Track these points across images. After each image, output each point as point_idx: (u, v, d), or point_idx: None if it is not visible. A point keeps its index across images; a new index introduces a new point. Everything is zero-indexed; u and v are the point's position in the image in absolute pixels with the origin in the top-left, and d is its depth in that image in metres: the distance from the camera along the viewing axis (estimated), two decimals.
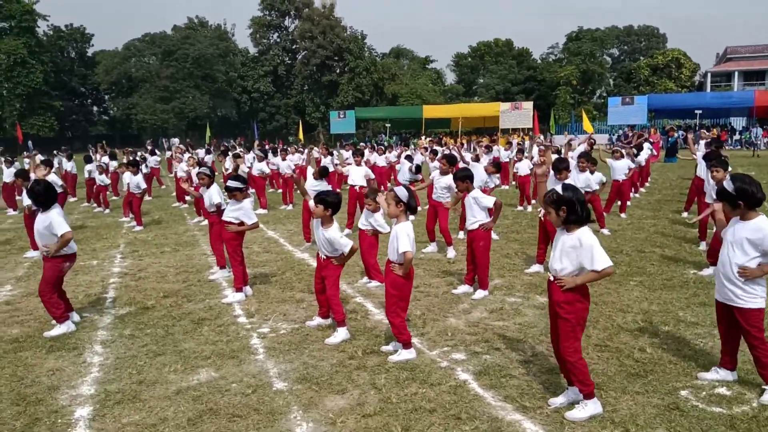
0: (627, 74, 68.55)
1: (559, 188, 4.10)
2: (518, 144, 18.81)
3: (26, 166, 18.93)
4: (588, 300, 4.18)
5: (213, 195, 8.35)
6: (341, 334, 5.73)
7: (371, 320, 6.31)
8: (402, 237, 5.09)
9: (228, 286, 7.81)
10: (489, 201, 6.96)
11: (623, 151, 13.76)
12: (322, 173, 9.94)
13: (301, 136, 42.28)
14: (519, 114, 44.76)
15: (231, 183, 7.41)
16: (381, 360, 5.21)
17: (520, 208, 14.23)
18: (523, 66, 71.76)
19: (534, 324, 6.07)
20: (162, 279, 8.37)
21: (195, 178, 14.05)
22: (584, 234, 4.03)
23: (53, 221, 5.97)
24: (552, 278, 4.21)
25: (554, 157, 9.53)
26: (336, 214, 5.79)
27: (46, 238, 6.05)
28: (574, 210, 4.01)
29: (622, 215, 12.45)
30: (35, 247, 10.12)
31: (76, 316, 6.42)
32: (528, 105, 46.12)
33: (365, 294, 7.36)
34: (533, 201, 14.47)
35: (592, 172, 10.20)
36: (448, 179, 9.31)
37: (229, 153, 19.50)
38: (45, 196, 6.07)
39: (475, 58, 77.00)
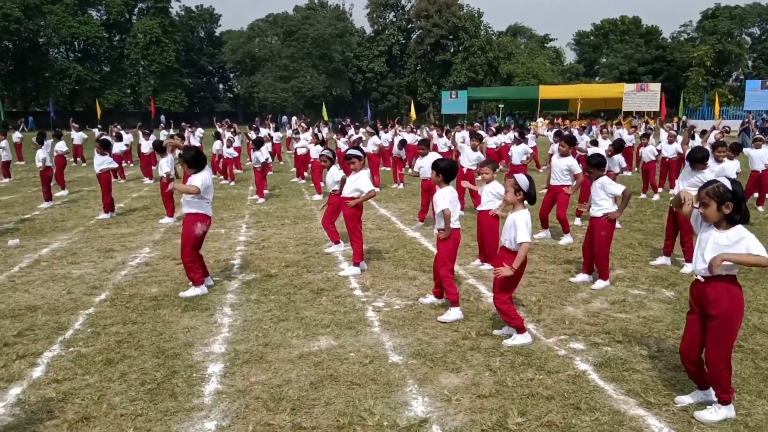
0: None
1: (725, 181, 3.73)
2: (648, 128, 17.62)
3: (162, 138, 20.47)
4: (743, 304, 3.85)
5: (334, 176, 8.50)
6: (454, 313, 5.75)
7: (484, 302, 6.27)
8: (521, 227, 4.99)
9: (344, 259, 8.06)
10: (617, 189, 6.62)
11: (765, 138, 12.61)
12: (426, 144, 10.19)
13: (413, 115, 42.42)
14: (644, 96, 42.10)
15: (351, 151, 7.71)
16: (495, 343, 5.18)
17: (643, 195, 13.48)
18: (651, 45, 67.47)
19: (660, 318, 5.77)
20: (283, 249, 8.79)
21: (314, 155, 14.58)
22: (741, 229, 3.73)
23: (194, 178, 6.47)
24: (701, 279, 3.85)
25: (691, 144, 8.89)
26: (449, 180, 5.90)
27: (188, 197, 6.54)
28: (740, 208, 3.70)
29: (760, 208, 11.46)
30: (171, 214, 10.99)
31: (210, 281, 6.90)
32: (655, 87, 43.24)
33: (477, 276, 7.32)
34: (660, 189, 13.66)
35: (730, 158, 9.41)
36: (569, 161, 8.94)
37: (346, 131, 19.98)
38: (195, 160, 6.56)
39: (598, 37, 73.34)
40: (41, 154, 12.99)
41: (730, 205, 3.69)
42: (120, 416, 3.99)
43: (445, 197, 5.79)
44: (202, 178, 6.47)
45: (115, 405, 4.14)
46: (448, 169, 5.88)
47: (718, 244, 3.76)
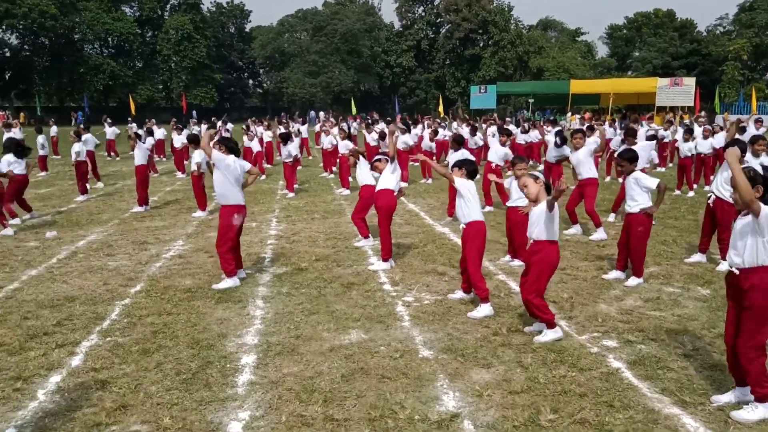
0: None
1: (757, 167, 3.82)
2: (685, 123, 17.21)
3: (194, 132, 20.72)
4: None
5: (362, 173, 8.57)
6: (484, 309, 5.73)
7: (515, 299, 6.23)
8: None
9: (373, 254, 8.08)
10: (651, 182, 6.50)
11: None
12: (458, 141, 10.08)
13: (441, 110, 42.19)
14: (679, 91, 41.11)
15: (378, 156, 7.90)
16: (526, 339, 5.15)
17: (677, 192, 13.23)
18: (685, 39, 65.99)
19: (695, 317, 5.67)
20: (313, 243, 8.85)
21: (342, 149, 14.64)
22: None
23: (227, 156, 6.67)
24: (736, 271, 3.88)
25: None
26: (473, 178, 5.97)
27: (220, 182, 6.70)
28: None
29: None
30: (203, 208, 11.15)
31: (242, 273, 7.00)
32: (690, 81, 42.19)
33: (508, 272, 7.28)
34: (695, 186, 13.39)
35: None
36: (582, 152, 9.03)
37: (373, 126, 19.96)
38: (235, 148, 6.82)
39: (631, 30, 72.01)
40: (77, 147, 13.27)
41: (761, 188, 3.72)
42: (156, 405, 4.07)
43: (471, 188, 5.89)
44: (228, 160, 6.61)
45: (151, 394, 4.23)
46: (472, 169, 6.05)
47: (743, 226, 3.80)
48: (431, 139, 16.45)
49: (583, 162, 8.93)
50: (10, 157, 10.42)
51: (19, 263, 7.81)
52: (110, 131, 23.46)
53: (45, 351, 4.98)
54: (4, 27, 55.85)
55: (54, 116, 34.34)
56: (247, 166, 6.94)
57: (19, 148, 10.57)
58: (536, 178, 5.15)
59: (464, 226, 5.91)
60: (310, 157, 23.22)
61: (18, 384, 4.39)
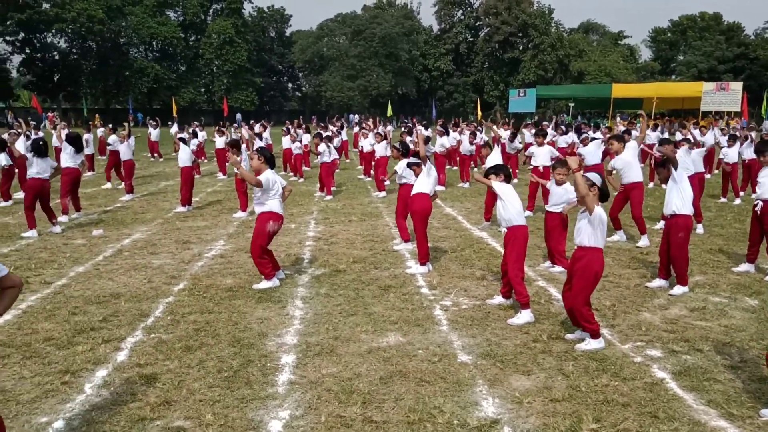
0: None
1: None
2: (729, 128, 16.70)
3: (236, 136, 21.04)
4: None
5: (403, 168, 8.63)
6: (525, 316, 5.67)
7: (555, 305, 6.15)
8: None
9: (411, 257, 8.08)
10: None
11: None
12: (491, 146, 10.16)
13: (479, 114, 41.92)
14: (725, 95, 39.93)
15: (412, 159, 7.90)
16: (567, 347, 5.07)
17: (723, 199, 12.86)
18: (732, 42, 64.21)
19: (743, 328, 5.50)
20: (351, 245, 8.90)
21: (380, 152, 14.71)
22: None
23: (262, 174, 6.76)
24: None
25: None
26: (510, 182, 6.05)
27: (257, 196, 6.84)
28: None
29: None
30: (244, 209, 11.33)
31: (282, 274, 7.08)
32: (736, 86, 40.93)
33: (548, 278, 7.18)
34: (741, 193, 13.00)
35: None
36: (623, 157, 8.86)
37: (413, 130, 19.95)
38: (271, 159, 6.95)
39: (675, 34, 70.42)
40: (124, 147, 13.62)
41: None
42: (199, 401, 4.15)
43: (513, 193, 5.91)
44: (266, 176, 6.71)
45: (194, 390, 4.31)
46: (509, 175, 6.12)
47: None
48: (470, 142, 16.38)
49: (631, 164, 8.73)
50: (70, 150, 10.79)
51: (67, 260, 8.05)
52: (155, 133, 24.01)
53: (92, 346, 5.12)
54: (53, 31, 57.92)
55: (101, 117, 35.35)
56: (284, 183, 7.02)
57: (79, 143, 10.96)
58: (592, 185, 5.05)
59: (506, 231, 5.88)
60: (348, 160, 23.35)
61: (66, 377, 4.53)
